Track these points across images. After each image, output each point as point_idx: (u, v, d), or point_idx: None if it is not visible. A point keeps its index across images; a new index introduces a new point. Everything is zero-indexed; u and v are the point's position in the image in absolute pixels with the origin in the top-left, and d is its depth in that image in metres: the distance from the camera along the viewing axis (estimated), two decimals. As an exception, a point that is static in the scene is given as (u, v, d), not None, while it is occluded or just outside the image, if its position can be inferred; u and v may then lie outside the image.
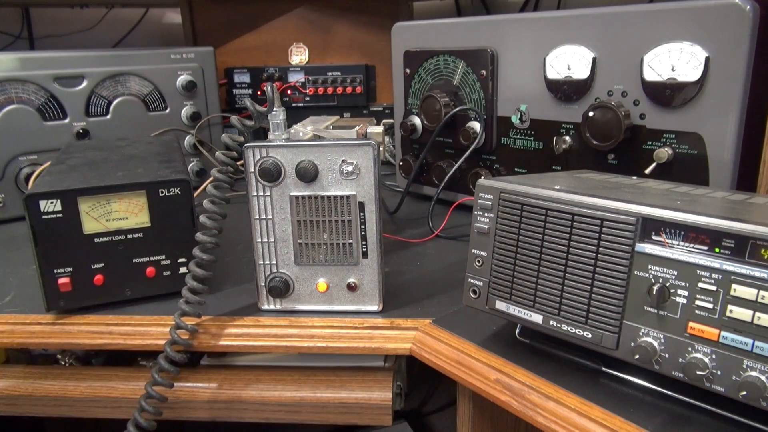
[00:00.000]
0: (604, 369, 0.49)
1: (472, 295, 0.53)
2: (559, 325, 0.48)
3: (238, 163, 0.59)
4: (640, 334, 0.44)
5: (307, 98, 1.27)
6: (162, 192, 0.63)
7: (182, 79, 1.07)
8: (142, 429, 0.57)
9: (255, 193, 0.60)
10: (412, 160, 0.99)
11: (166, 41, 1.55)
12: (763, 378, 0.39)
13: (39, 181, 0.66)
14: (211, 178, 0.60)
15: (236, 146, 0.59)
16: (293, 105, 1.27)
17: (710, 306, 0.41)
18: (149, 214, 0.64)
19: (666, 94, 0.68)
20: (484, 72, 0.85)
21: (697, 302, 0.41)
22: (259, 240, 0.61)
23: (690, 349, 0.42)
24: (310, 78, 1.26)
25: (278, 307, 0.63)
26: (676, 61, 0.67)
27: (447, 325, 0.59)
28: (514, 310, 0.50)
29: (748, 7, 0.61)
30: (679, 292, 0.42)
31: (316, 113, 1.17)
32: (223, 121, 1.15)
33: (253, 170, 0.59)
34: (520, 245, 0.49)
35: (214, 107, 1.12)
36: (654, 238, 0.43)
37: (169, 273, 0.65)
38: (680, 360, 0.42)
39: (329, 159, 0.58)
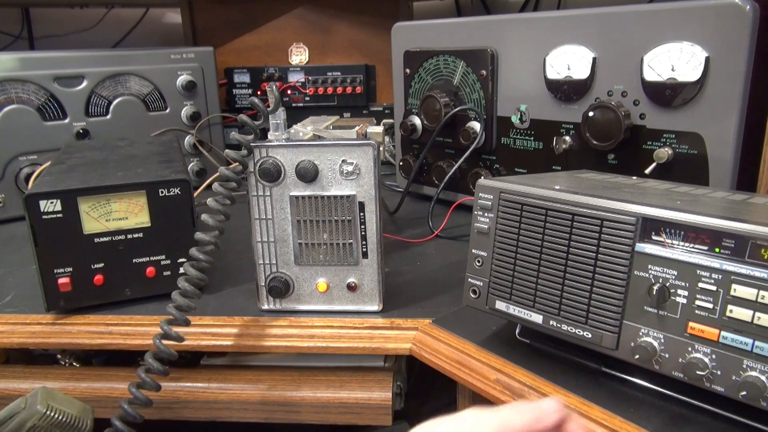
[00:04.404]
0: (604, 369, 0.49)
1: (472, 295, 0.53)
2: (559, 325, 0.48)
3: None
4: (640, 334, 0.44)
5: (307, 98, 1.27)
6: (162, 192, 0.63)
7: (182, 79, 1.07)
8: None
9: (255, 193, 0.60)
10: (412, 160, 0.99)
11: (166, 41, 1.55)
12: (763, 378, 0.39)
13: (39, 181, 0.66)
14: (216, 174, 0.59)
15: (247, 143, 0.58)
16: (293, 105, 1.27)
17: (710, 306, 0.41)
18: (149, 214, 0.64)
19: (666, 94, 0.68)
20: (484, 72, 0.85)
21: (697, 302, 0.41)
22: (259, 240, 0.61)
23: (690, 349, 0.42)
24: (310, 78, 1.26)
25: (278, 307, 0.63)
26: (676, 61, 0.67)
27: (447, 325, 0.59)
28: (514, 310, 0.50)
29: (748, 7, 0.61)
30: (679, 292, 0.42)
31: (316, 113, 1.17)
32: (224, 121, 1.15)
33: (253, 170, 0.59)
34: (520, 245, 0.49)
35: (214, 107, 1.12)
36: (654, 238, 0.43)
37: (169, 273, 0.65)
38: (680, 360, 0.42)
39: (329, 159, 0.58)
